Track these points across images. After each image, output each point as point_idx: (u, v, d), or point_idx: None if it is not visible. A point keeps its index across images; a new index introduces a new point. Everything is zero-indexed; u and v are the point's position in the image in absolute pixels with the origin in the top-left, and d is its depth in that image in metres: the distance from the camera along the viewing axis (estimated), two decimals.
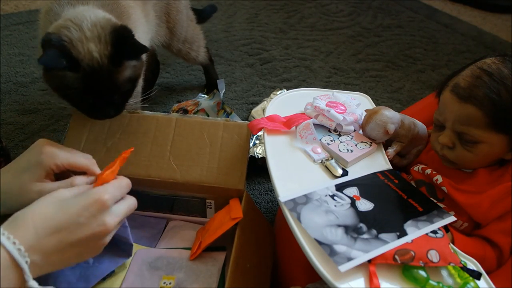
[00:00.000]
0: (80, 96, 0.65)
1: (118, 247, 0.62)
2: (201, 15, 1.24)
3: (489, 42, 1.76)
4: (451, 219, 0.57)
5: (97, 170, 0.56)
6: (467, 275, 0.50)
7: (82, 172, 0.56)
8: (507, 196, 0.63)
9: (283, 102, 0.77)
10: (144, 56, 0.73)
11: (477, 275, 0.50)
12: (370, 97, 0.82)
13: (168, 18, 1.04)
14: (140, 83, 0.87)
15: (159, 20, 1.00)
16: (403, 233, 0.52)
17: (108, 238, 0.48)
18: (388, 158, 0.68)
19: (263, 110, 1.17)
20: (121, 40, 0.65)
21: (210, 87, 1.34)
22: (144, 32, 0.90)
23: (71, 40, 0.62)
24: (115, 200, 0.49)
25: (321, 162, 0.64)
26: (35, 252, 0.41)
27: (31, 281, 0.41)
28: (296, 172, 0.62)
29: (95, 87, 0.64)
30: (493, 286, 0.51)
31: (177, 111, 1.17)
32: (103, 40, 0.63)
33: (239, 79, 1.42)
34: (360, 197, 0.58)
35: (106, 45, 0.63)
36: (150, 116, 0.74)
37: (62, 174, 0.55)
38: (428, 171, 0.69)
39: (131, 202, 0.53)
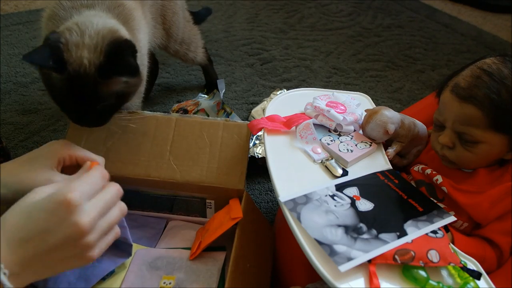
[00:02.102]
0: (63, 98, 0.64)
1: (118, 247, 0.62)
2: (196, 18, 1.24)
3: (489, 42, 1.76)
4: (451, 219, 0.57)
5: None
6: (467, 275, 0.50)
7: None
8: (507, 196, 0.62)
9: (283, 102, 0.77)
10: (145, 74, 0.71)
11: (477, 275, 0.50)
12: (370, 97, 0.82)
13: (164, 19, 1.04)
14: (144, 84, 0.87)
15: (155, 22, 1.00)
16: (403, 233, 0.52)
17: (91, 238, 0.43)
18: (388, 158, 0.68)
19: (263, 110, 1.17)
20: (116, 53, 0.63)
21: (210, 87, 1.34)
22: (145, 33, 0.90)
23: (67, 43, 0.62)
24: (87, 196, 0.44)
25: (321, 162, 0.64)
26: (12, 263, 0.40)
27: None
28: (296, 172, 0.62)
29: (77, 93, 0.63)
30: (493, 286, 0.51)
31: (177, 111, 1.17)
32: (98, 49, 0.63)
33: (239, 79, 1.42)
34: (360, 197, 0.58)
35: (99, 55, 0.63)
36: (150, 116, 0.74)
37: (70, 171, 0.55)
38: (428, 171, 0.69)
39: (111, 190, 0.48)
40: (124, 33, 0.69)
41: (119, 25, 0.71)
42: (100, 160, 0.57)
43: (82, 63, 0.61)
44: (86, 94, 0.63)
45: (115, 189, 0.49)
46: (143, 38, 0.86)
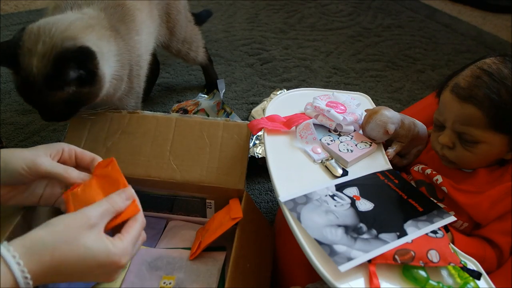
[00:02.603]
0: (21, 95, 0.66)
1: None
2: (197, 19, 1.25)
3: (489, 42, 1.76)
4: (451, 219, 0.57)
5: None
6: (467, 275, 0.50)
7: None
8: (507, 196, 0.62)
9: (283, 102, 0.77)
10: (106, 82, 0.71)
11: (477, 275, 0.50)
12: (370, 97, 0.82)
13: (168, 18, 1.04)
14: (141, 85, 0.87)
15: (160, 20, 1.01)
16: (403, 233, 0.52)
17: (123, 263, 0.48)
18: (388, 158, 0.68)
19: (263, 110, 1.17)
20: (63, 64, 0.63)
21: (210, 87, 1.34)
22: (149, 33, 0.90)
23: (24, 46, 0.62)
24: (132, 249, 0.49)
25: (321, 162, 0.64)
26: (35, 278, 0.41)
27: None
28: (296, 172, 0.62)
29: (30, 97, 0.64)
30: (493, 286, 0.51)
31: (177, 111, 1.17)
32: (46, 58, 0.62)
33: (239, 79, 1.42)
34: (360, 197, 0.58)
35: (47, 65, 0.62)
36: (150, 116, 0.74)
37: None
38: (428, 171, 0.69)
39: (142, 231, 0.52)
40: (86, 39, 0.67)
41: (87, 29, 0.69)
42: (99, 158, 0.57)
43: (31, 72, 0.62)
44: (36, 100, 0.64)
45: (143, 225, 0.53)
46: (145, 39, 0.86)
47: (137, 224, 0.50)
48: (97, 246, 0.44)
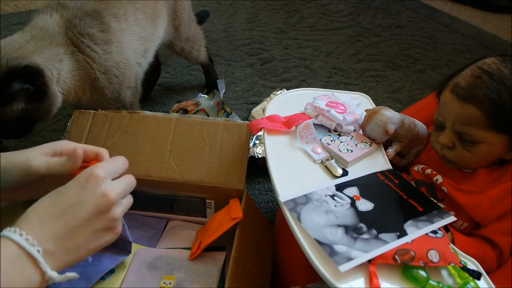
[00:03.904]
0: None
1: (117, 245, 0.62)
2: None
3: (489, 42, 1.76)
4: (451, 219, 0.57)
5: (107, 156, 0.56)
6: (467, 275, 0.50)
7: None
8: (507, 196, 0.62)
9: (283, 102, 0.77)
10: (58, 98, 0.75)
11: (477, 275, 0.50)
12: (370, 97, 0.82)
13: (174, 16, 1.06)
14: (122, 92, 0.89)
15: (168, 18, 1.02)
16: (403, 233, 0.52)
17: (118, 210, 0.47)
18: (388, 158, 0.68)
19: (263, 110, 1.17)
20: (8, 79, 0.66)
21: (210, 87, 1.34)
22: (141, 37, 0.92)
23: None
24: (111, 175, 0.48)
25: (321, 162, 0.64)
26: (45, 240, 0.41)
27: (49, 271, 0.40)
28: (296, 172, 0.62)
29: None
30: (493, 286, 0.51)
31: (177, 111, 1.17)
32: None
33: (239, 79, 1.42)
34: (360, 197, 0.58)
35: None
36: (150, 116, 0.74)
37: None
38: (428, 171, 0.69)
39: (129, 180, 0.51)
40: (36, 58, 0.71)
41: (38, 49, 0.73)
42: (105, 152, 0.57)
43: None
44: None
45: (132, 179, 0.52)
46: (128, 46, 0.89)
47: (113, 160, 0.51)
48: (72, 184, 0.46)
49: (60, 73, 0.76)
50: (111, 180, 0.48)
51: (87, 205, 0.44)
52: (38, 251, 0.40)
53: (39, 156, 0.52)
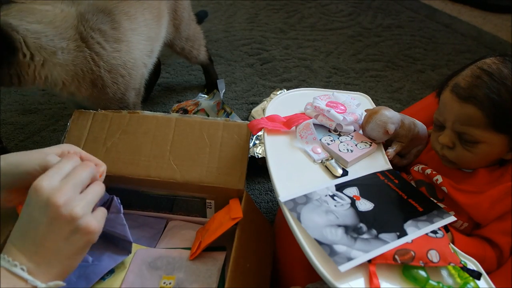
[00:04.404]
0: None
1: (117, 244, 0.62)
2: None
3: (489, 42, 1.76)
4: (451, 219, 0.57)
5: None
6: (467, 275, 0.50)
7: None
8: (507, 196, 0.62)
9: (283, 102, 0.77)
10: (24, 78, 0.74)
11: (477, 275, 0.50)
12: (370, 97, 0.82)
13: (175, 15, 1.06)
14: (124, 92, 0.89)
15: (169, 17, 1.02)
16: (403, 233, 0.52)
17: (73, 211, 0.45)
18: (388, 158, 0.68)
19: (263, 110, 1.17)
20: None
21: (210, 87, 1.34)
22: (149, 37, 0.92)
23: None
24: (59, 177, 0.47)
25: (321, 162, 0.64)
26: (25, 259, 0.43)
27: (38, 283, 0.42)
28: (296, 172, 0.62)
29: None
30: (493, 286, 0.51)
31: (177, 111, 1.17)
32: None
33: (239, 79, 1.42)
34: (360, 197, 0.58)
35: None
36: (150, 116, 0.74)
37: None
38: (428, 171, 0.69)
39: (80, 172, 0.49)
40: (23, 26, 0.71)
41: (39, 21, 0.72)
42: (103, 167, 0.57)
43: None
44: None
45: (88, 168, 0.50)
46: (136, 46, 0.88)
47: (65, 161, 0.49)
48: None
49: (47, 59, 0.74)
50: (59, 180, 0.47)
51: (38, 219, 0.44)
52: (23, 269, 0.42)
53: (52, 154, 0.52)
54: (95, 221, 0.47)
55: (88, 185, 0.50)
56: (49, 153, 0.52)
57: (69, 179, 0.47)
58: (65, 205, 0.45)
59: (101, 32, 0.79)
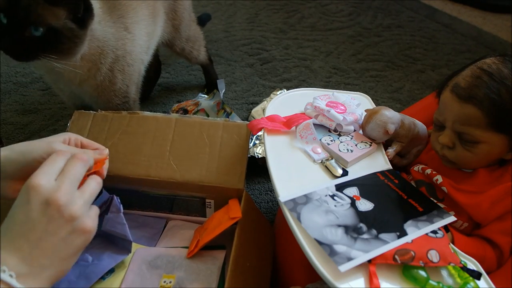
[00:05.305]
0: None
1: (117, 244, 0.62)
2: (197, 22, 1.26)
3: (489, 42, 1.76)
4: (451, 219, 0.57)
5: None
6: (467, 275, 0.50)
7: None
8: (507, 196, 0.62)
9: (283, 102, 0.77)
10: (83, 44, 0.72)
11: (477, 275, 0.50)
12: (370, 97, 0.82)
13: (174, 15, 1.06)
14: (128, 84, 0.89)
15: (166, 17, 1.02)
16: (403, 233, 0.52)
17: (72, 210, 0.44)
18: (388, 158, 0.68)
19: (263, 110, 1.17)
20: None
21: (210, 87, 1.34)
22: (148, 33, 0.91)
23: None
24: (54, 175, 0.46)
25: (321, 162, 0.64)
26: (15, 264, 0.41)
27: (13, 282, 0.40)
28: (296, 172, 0.62)
29: (13, 4, 0.62)
30: (493, 286, 0.51)
31: (177, 111, 1.17)
32: None
33: (239, 79, 1.42)
34: (360, 197, 0.58)
35: None
36: (149, 116, 0.74)
37: None
38: (428, 171, 0.69)
39: (75, 167, 0.48)
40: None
41: None
42: (106, 151, 0.58)
43: None
44: (21, 8, 0.62)
45: (82, 161, 0.49)
46: (138, 38, 0.88)
47: (56, 156, 0.48)
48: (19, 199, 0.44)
49: (94, 32, 0.74)
50: (54, 178, 0.46)
51: (37, 218, 0.43)
52: (11, 275, 0.40)
53: (58, 142, 0.52)
54: (91, 220, 0.47)
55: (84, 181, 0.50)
56: (54, 141, 0.52)
57: (66, 175, 0.46)
58: (66, 205, 0.44)
59: (123, 19, 0.80)
